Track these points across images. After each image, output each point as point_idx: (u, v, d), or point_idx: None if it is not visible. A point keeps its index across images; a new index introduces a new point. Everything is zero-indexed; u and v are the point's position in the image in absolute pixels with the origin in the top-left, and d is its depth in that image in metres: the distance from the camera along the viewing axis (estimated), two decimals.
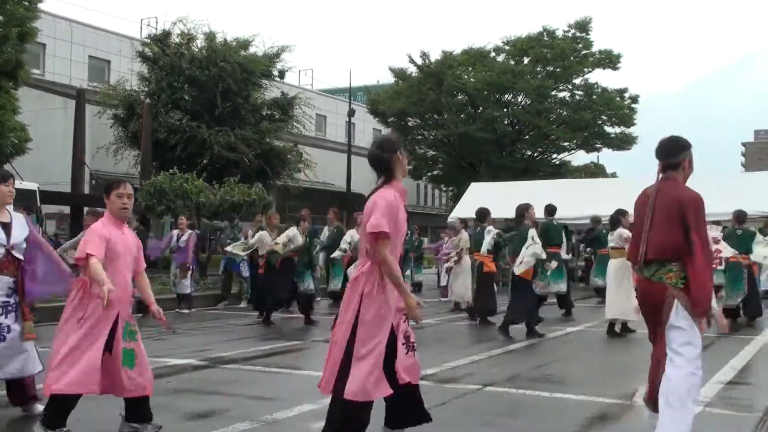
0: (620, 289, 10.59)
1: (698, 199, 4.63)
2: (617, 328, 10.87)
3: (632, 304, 8.22)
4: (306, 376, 7.50)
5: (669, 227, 4.64)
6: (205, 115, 24.26)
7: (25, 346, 5.50)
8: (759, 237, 12.64)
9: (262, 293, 12.56)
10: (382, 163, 4.42)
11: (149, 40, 26.26)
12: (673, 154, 4.83)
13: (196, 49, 25.25)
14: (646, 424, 5.06)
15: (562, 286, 13.56)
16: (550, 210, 13.78)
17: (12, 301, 5.43)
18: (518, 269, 10.55)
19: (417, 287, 19.33)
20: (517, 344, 9.86)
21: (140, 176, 20.26)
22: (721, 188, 17.22)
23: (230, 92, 24.38)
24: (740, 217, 12.58)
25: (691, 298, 4.53)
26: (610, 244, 11.44)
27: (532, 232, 10.63)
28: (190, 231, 14.58)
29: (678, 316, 4.61)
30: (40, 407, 5.46)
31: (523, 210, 10.80)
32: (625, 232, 10.68)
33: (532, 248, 10.45)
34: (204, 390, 6.67)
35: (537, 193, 19.51)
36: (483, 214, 12.52)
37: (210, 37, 25.48)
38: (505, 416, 5.71)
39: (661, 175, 4.86)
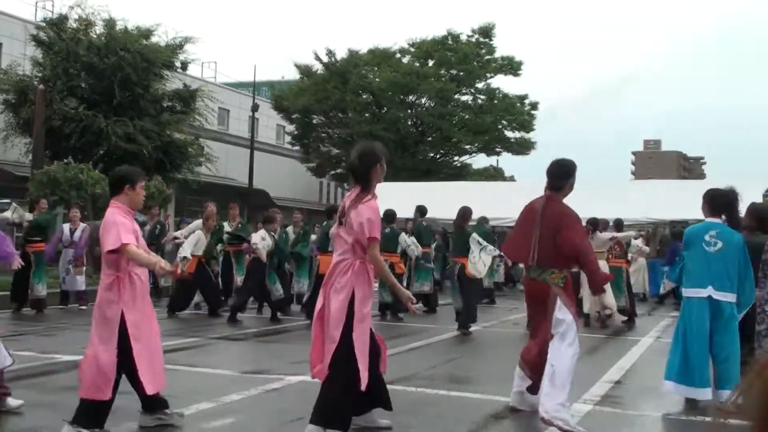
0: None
1: (571, 214, 5.58)
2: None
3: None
4: (204, 373, 7.39)
5: (552, 239, 5.46)
6: (102, 105, 23.46)
7: None
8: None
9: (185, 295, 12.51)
10: (362, 173, 4.86)
11: (44, 24, 25.22)
12: (558, 178, 5.70)
13: (95, 36, 24.39)
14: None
15: (427, 287, 14.00)
16: (422, 211, 14.09)
17: None
18: (476, 269, 10.93)
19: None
20: (415, 343, 9.98)
21: (32, 165, 19.42)
22: (611, 195, 17.99)
23: (129, 82, 23.66)
24: (619, 225, 13.35)
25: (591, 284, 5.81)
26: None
27: (475, 236, 11.14)
28: (84, 224, 14.09)
29: (560, 310, 5.43)
30: (12, 402, 5.21)
31: (468, 212, 11.37)
32: (608, 235, 11.83)
33: (486, 249, 11.04)
34: None
35: (438, 195, 19.83)
36: (391, 216, 12.73)
37: (110, 24, 24.66)
38: (403, 414, 5.77)
39: (547, 192, 5.69)
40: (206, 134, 28.63)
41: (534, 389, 5.67)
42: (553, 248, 5.46)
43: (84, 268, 13.63)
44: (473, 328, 11.27)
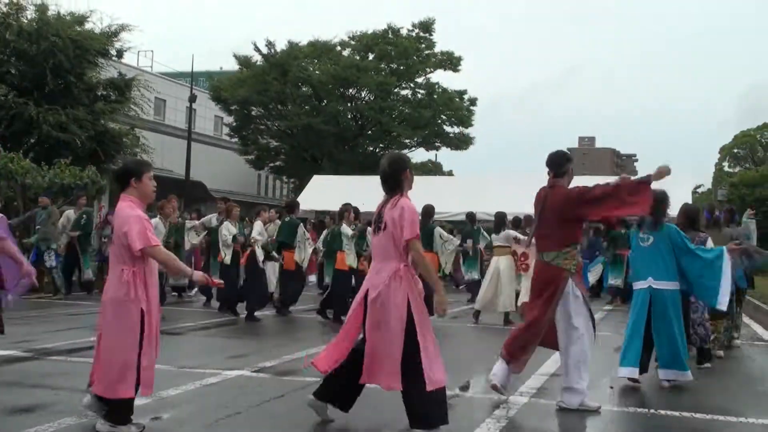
0: (511, 285, 12.01)
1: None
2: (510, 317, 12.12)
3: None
4: None
5: (560, 222, 5.87)
6: (33, 92, 22.77)
7: None
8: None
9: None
10: (393, 178, 5.06)
11: None
12: (559, 165, 6.10)
13: (26, 21, 23.64)
14: (479, 412, 5.29)
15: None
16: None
17: None
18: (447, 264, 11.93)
19: None
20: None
21: None
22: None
23: (62, 69, 22.99)
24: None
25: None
26: (496, 243, 12.25)
27: (439, 230, 12.13)
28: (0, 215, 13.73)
29: (575, 296, 5.85)
30: None
31: (431, 209, 12.31)
32: (513, 233, 12.16)
33: (451, 243, 12.04)
34: (28, 383, 6.30)
35: (378, 189, 19.83)
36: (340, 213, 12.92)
37: (41, 9, 23.91)
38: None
39: (551, 180, 6.06)
40: (142, 124, 28.05)
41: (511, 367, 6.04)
42: (559, 231, 5.87)
43: None
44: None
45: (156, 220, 11.94)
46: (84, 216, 15.16)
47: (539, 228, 6.09)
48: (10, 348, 7.95)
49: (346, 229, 12.14)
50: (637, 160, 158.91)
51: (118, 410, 4.75)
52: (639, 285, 7.04)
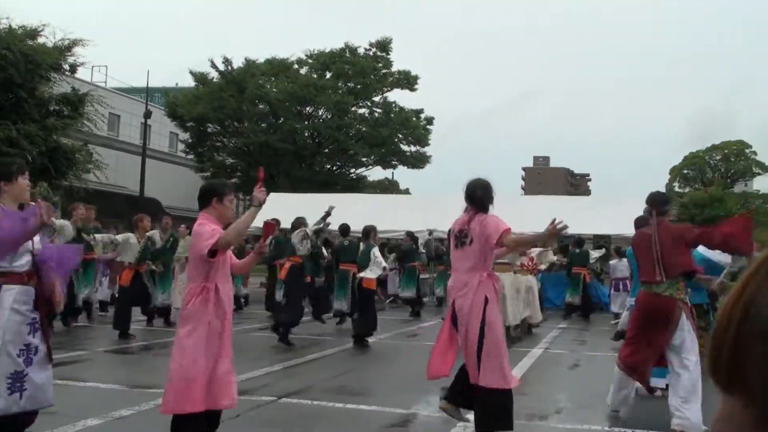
0: (514, 300, 12.47)
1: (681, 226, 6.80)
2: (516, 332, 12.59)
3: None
4: (92, 388, 7.11)
5: (675, 254, 6.20)
6: None
7: (47, 371, 4.68)
8: None
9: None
10: (481, 201, 5.74)
11: None
12: (663, 203, 6.56)
13: None
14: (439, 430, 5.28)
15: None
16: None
17: (36, 317, 4.58)
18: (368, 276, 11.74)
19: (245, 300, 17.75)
20: (310, 355, 9.93)
21: None
22: (504, 209, 18.39)
23: (12, 83, 22.57)
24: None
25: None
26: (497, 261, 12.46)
27: (376, 251, 12.01)
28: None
29: (687, 324, 6.12)
30: None
31: (370, 230, 12.33)
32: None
33: (378, 266, 11.82)
34: None
35: (336, 206, 19.83)
36: (345, 230, 13.47)
37: None
38: (300, 427, 5.73)
39: (657, 219, 6.42)
40: (95, 140, 27.66)
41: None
42: (675, 262, 6.21)
43: None
44: (370, 339, 11.32)
45: (128, 235, 11.80)
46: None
47: (647, 265, 6.37)
48: None
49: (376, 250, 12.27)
50: (590, 180, 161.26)
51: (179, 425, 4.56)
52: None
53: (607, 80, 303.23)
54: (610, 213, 18.10)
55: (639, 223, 8.23)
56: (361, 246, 12.43)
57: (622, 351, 6.43)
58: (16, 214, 4.61)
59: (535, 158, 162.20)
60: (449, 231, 6.02)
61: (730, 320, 0.59)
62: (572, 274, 16.86)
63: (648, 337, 6.20)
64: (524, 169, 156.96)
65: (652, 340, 6.17)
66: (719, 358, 0.59)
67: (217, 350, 4.65)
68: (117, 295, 12.58)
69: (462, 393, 5.60)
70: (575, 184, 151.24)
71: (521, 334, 13.11)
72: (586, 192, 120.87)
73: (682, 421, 5.86)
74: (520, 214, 19.70)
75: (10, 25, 23.82)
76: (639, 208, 7.33)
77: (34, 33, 24.42)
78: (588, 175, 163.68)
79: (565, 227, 5.46)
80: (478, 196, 5.78)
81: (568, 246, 17.58)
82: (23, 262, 4.61)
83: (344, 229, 13.45)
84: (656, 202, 6.60)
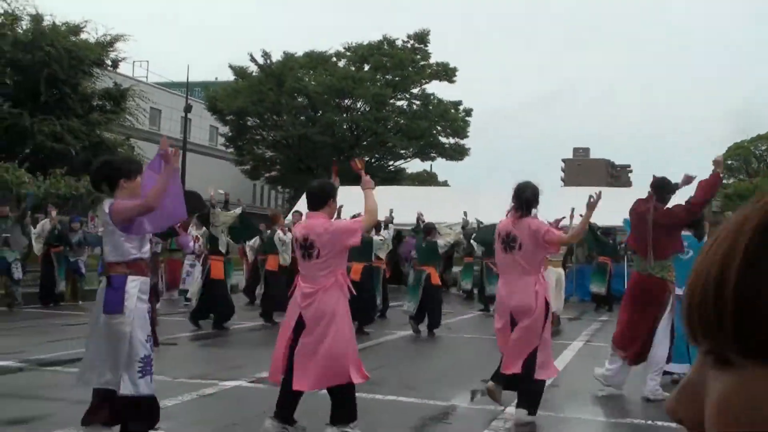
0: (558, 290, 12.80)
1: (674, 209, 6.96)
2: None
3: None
4: None
5: (665, 236, 6.71)
6: (28, 102, 22.77)
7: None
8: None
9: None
10: (528, 204, 6.03)
11: None
12: (668, 192, 6.96)
13: (21, 31, 23.67)
14: (477, 423, 5.27)
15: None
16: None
17: (149, 306, 4.89)
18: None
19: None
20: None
21: None
22: (543, 201, 18.21)
23: (57, 79, 23.01)
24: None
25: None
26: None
27: (377, 240, 12.41)
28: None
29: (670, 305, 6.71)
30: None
31: (432, 228, 12.79)
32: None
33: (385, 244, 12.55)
34: (24, 394, 6.27)
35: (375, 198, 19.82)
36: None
37: (36, 19, 23.96)
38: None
39: (655, 203, 6.87)
40: (137, 134, 28.07)
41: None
42: (665, 243, 6.71)
43: None
44: (404, 332, 11.34)
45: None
46: (57, 228, 14.58)
47: (640, 240, 6.88)
48: (4, 359, 7.91)
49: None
50: (631, 171, 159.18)
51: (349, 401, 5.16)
52: (678, 291, 7.48)
53: (649, 70, 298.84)
54: None
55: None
56: (423, 243, 12.56)
57: (616, 330, 6.99)
58: (151, 170, 4.95)
59: (575, 149, 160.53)
60: (497, 232, 6.26)
61: (723, 275, 0.56)
62: (599, 264, 16.82)
63: (638, 316, 6.75)
64: (564, 160, 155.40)
65: (642, 318, 6.72)
66: (713, 324, 0.56)
67: None
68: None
69: (507, 377, 5.92)
70: (615, 175, 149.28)
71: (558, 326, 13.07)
72: (627, 183, 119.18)
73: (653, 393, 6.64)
74: (560, 205, 19.55)
75: (53, 22, 24.26)
76: (681, 201, 7.25)
77: (76, 29, 24.83)
78: (629, 166, 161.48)
79: (598, 198, 6.26)
80: (526, 197, 6.04)
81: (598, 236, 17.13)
82: (147, 249, 4.92)
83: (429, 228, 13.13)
84: (659, 187, 6.97)
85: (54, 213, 14.72)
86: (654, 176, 7.16)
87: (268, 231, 13.64)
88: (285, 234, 12.57)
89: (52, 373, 7.29)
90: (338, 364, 5.11)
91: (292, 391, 5.10)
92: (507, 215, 6.13)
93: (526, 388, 5.79)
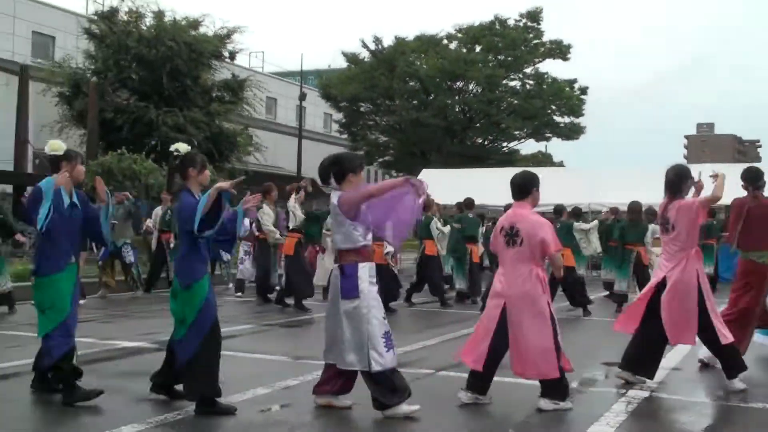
0: None
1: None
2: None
3: None
4: (260, 359, 7.47)
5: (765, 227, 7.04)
6: (153, 96, 23.82)
7: None
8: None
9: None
10: (677, 186, 6.36)
11: (96, 17, 25.65)
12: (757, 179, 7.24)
13: (145, 28, 24.74)
14: (598, 406, 5.16)
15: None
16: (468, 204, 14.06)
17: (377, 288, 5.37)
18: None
19: None
20: (468, 329, 9.94)
21: (86, 156, 19.79)
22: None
23: (179, 72, 23.96)
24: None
25: None
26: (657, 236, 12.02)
27: (435, 222, 12.67)
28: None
29: None
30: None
31: (562, 209, 13.06)
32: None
33: (442, 233, 12.58)
34: None
35: (487, 181, 19.68)
36: (469, 203, 13.90)
37: (158, 15, 25.00)
38: (457, 400, 5.76)
39: (755, 192, 7.22)
40: (254, 123, 28.88)
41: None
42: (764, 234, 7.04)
43: None
44: None
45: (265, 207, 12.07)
46: (169, 212, 14.37)
47: (745, 232, 7.12)
48: (138, 340, 8.35)
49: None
50: (760, 146, 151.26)
51: (554, 388, 5.42)
52: None
53: None
54: None
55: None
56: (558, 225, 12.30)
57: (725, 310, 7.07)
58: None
59: (699, 125, 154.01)
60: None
61: None
62: (704, 245, 15.88)
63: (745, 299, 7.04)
64: (687, 137, 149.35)
65: (751, 301, 7.02)
66: None
67: None
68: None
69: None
70: (743, 151, 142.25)
71: None
72: (756, 159, 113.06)
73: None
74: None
75: (174, 18, 25.22)
76: None
77: (196, 23, 25.72)
78: (758, 141, 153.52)
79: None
80: (669, 179, 6.35)
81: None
82: (371, 237, 5.35)
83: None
84: (749, 176, 7.25)
85: (168, 198, 14.47)
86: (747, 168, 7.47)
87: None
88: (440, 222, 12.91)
89: None
90: (542, 351, 5.44)
91: (490, 367, 5.58)
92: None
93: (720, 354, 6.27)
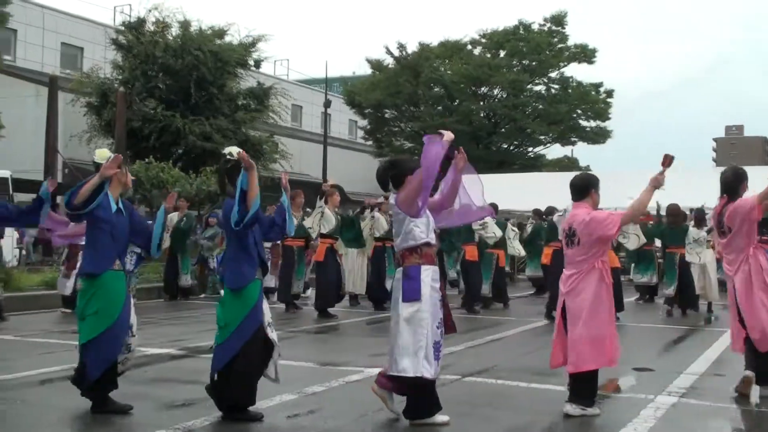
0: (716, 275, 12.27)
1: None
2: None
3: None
4: (286, 366, 7.47)
5: None
6: (179, 104, 24.05)
7: None
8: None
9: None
10: (733, 186, 6.26)
11: (123, 28, 25.97)
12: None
13: (171, 38, 25.00)
14: (626, 412, 5.13)
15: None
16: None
17: (441, 294, 5.36)
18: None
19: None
20: (493, 336, 9.92)
21: None
22: (693, 182, 17.38)
23: (205, 81, 24.18)
24: (700, 216, 12.55)
25: None
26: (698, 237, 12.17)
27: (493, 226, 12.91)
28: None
29: None
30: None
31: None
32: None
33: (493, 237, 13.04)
34: (183, 379, 6.64)
35: (513, 186, 19.64)
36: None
37: (184, 25, 25.25)
38: (483, 406, 5.75)
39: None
40: (280, 131, 29.03)
41: None
42: None
43: None
44: (544, 322, 11.15)
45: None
46: (184, 219, 14.58)
47: None
48: (167, 346, 8.42)
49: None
50: None
51: (586, 382, 5.44)
52: None
53: None
54: None
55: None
56: None
57: None
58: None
59: (727, 128, 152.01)
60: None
61: None
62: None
63: None
64: (715, 139, 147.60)
65: None
66: None
67: None
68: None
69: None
70: None
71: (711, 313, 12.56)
72: None
73: None
74: (713, 186, 18.59)
75: (200, 27, 25.47)
76: None
77: (221, 32, 25.96)
78: None
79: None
80: (726, 180, 6.30)
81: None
82: (433, 236, 5.31)
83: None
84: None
85: (184, 205, 14.75)
86: None
87: None
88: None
89: (209, 360, 7.67)
90: (593, 345, 5.41)
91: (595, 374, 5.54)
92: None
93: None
